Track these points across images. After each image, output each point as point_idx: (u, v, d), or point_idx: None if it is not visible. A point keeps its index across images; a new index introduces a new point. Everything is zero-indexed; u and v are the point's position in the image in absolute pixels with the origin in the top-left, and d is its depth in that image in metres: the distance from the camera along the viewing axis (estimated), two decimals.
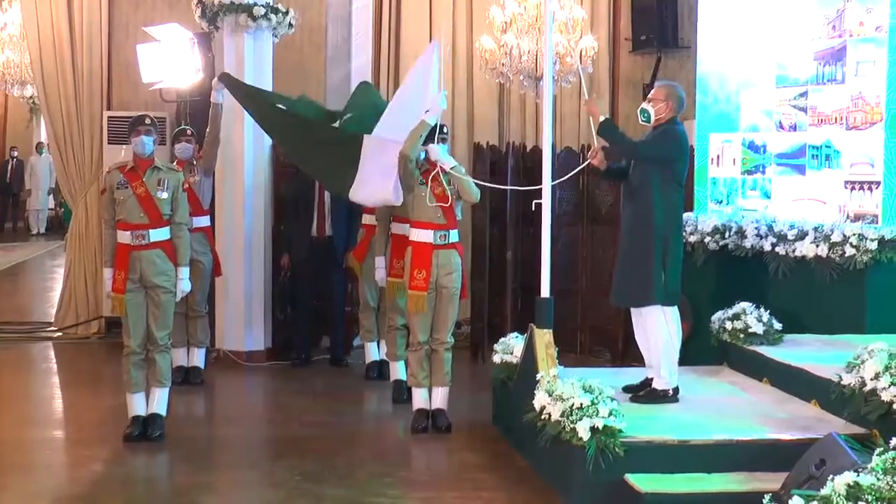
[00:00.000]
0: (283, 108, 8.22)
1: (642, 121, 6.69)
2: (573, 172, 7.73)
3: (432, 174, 7.03)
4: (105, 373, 8.58)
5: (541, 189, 6.71)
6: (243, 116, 9.01)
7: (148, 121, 6.99)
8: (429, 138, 7.10)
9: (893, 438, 4.53)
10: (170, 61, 9.31)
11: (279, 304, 9.58)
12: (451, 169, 7.05)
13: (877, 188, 7.74)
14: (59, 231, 18.74)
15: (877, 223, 7.66)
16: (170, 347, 7.03)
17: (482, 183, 7.58)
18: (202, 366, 8.71)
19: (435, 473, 6.64)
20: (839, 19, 8.01)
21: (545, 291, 6.58)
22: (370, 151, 7.52)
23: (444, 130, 7.38)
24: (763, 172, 8.58)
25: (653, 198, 6.48)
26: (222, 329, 9.33)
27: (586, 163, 7.01)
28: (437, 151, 7.07)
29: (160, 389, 6.93)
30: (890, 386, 5.62)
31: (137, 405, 6.89)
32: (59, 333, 10.43)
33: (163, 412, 6.96)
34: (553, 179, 6.73)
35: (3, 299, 12.01)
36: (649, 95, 6.82)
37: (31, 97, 16.48)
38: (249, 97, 8.40)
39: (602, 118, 6.64)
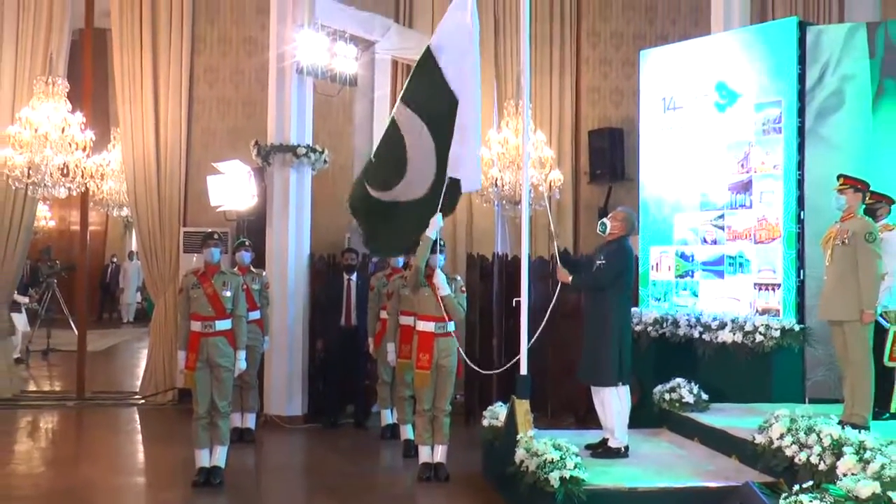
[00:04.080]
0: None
1: (599, 231, 6.80)
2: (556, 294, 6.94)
3: (433, 278, 7.02)
4: (177, 432, 8.52)
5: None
6: (286, 232, 9.22)
7: (216, 236, 7.10)
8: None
9: (795, 486, 4.55)
10: (232, 189, 9.47)
11: (315, 379, 9.55)
12: (444, 296, 6.94)
13: (778, 289, 7.82)
14: (144, 320, 18.59)
15: (779, 316, 7.74)
16: (229, 413, 7.02)
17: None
18: (253, 427, 8.67)
19: None
20: (746, 160, 8.19)
21: (523, 370, 6.58)
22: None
23: (442, 243, 7.35)
24: (692, 276, 8.66)
25: (608, 301, 6.56)
26: (269, 398, 9.31)
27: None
28: (439, 278, 6.97)
29: (221, 447, 6.90)
30: (792, 444, 5.67)
31: (203, 458, 6.87)
32: (143, 400, 10.38)
33: (223, 464, 6.93)
34: (528, 281, 6.76)
35: (100, 373, 11.94)
36: (611, 214, 6.90)
37: (126, 216, 16.69)
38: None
39: (570, 279, 6.69)
